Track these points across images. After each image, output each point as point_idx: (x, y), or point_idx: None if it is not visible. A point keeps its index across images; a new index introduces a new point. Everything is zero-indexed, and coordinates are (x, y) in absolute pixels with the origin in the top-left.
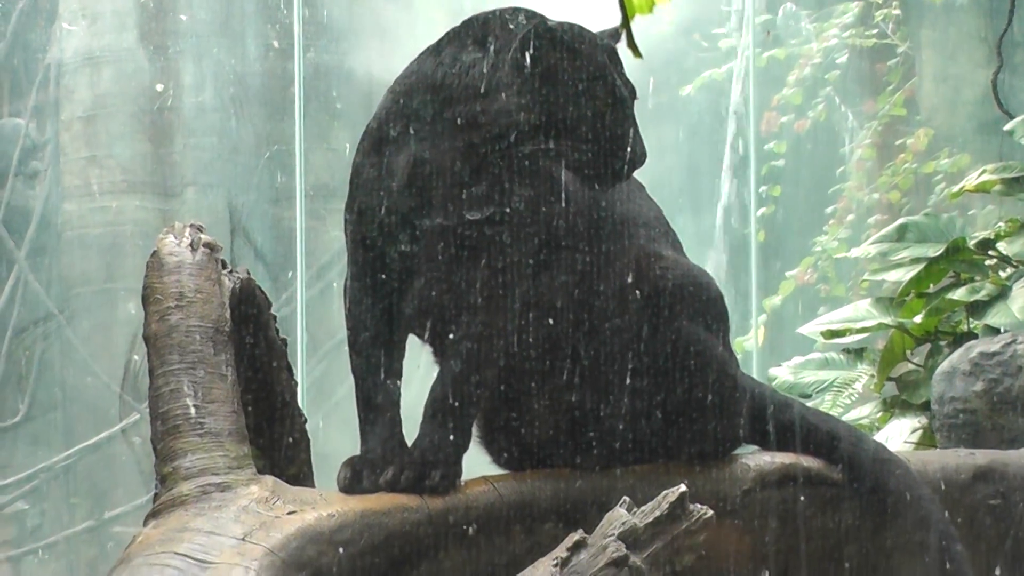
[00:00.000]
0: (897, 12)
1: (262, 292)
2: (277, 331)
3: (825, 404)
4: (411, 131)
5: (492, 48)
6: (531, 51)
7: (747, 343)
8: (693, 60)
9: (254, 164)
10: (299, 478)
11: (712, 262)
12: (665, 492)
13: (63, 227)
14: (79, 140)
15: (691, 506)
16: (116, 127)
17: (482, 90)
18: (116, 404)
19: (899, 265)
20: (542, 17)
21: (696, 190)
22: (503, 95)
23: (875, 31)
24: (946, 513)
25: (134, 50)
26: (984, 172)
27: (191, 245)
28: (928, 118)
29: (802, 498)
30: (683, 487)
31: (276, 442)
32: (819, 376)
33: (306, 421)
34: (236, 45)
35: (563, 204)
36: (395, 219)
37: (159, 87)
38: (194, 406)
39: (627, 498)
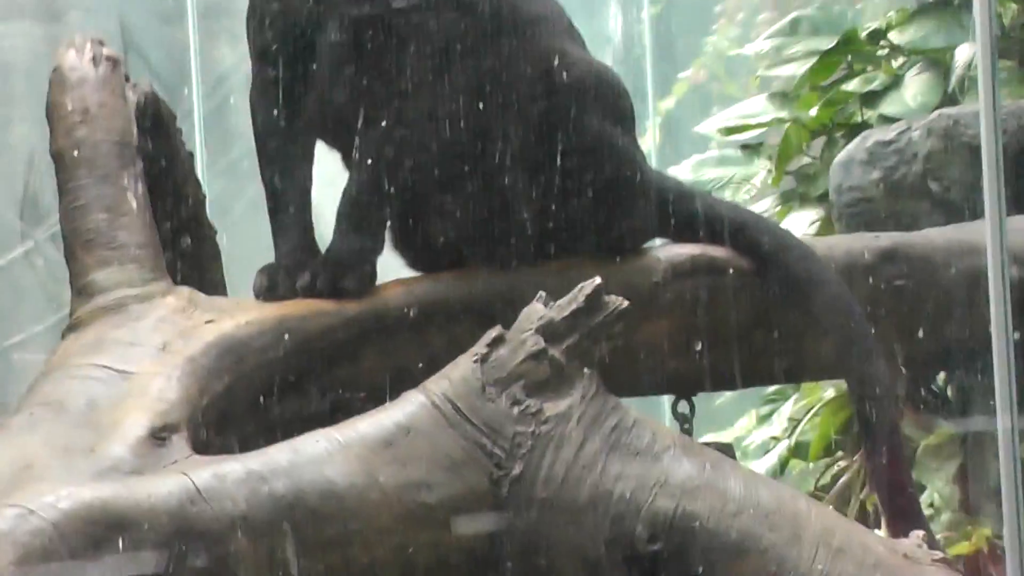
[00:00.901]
0: None
1: (166, 105)
2: (183, 144)
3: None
4: None
5: None
6: None
7: (644, 146)
8: None
9: None
10: (212, 289)
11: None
12: (581, 285)
13: None
14: None
15: (606, 298)
16: None
17: None
18: (15, 230)
19: (792, 59)
20: None
21: None
22: None
23: None
24: (853, 294)
25: None
26: None
27: (93, 59)
28: None
29: (712, 286)
30: (598, 279)
31: (187, 254)
32: (717, 173)
33: (216, 233)
34: None
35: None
36: (296, 22)
37: None
38: (105, 220)
39: (543, 293)
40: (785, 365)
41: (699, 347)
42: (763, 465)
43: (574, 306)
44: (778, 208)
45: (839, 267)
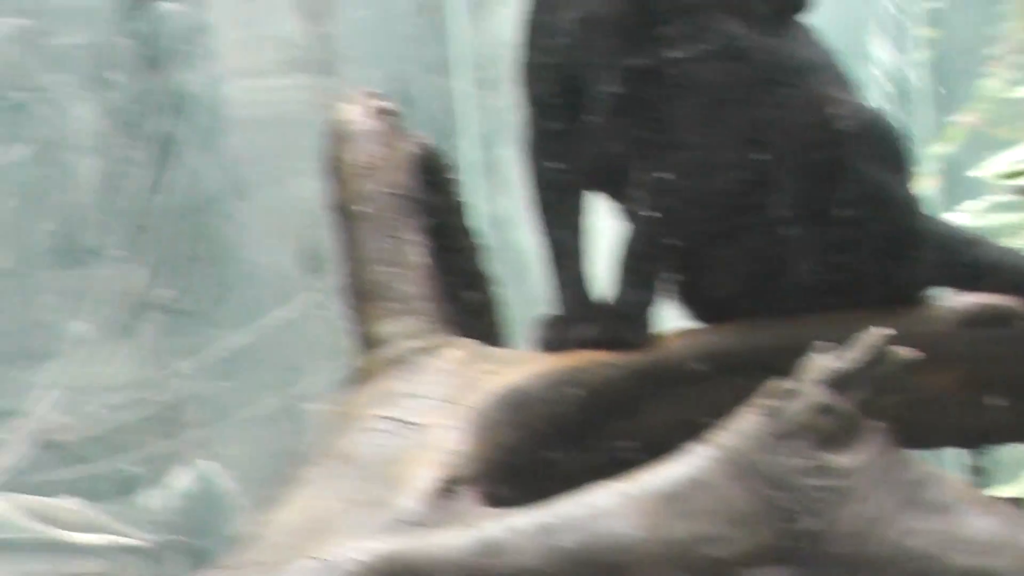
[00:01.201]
0: None
1: (443, 156)
2: (459, 195)
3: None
4: None
5: None
6: None
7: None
8: None
9: (415, 34)
10: (493, 340)
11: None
12: (867, 335)
13: (226, 108)
14: (235, 19)
15: (895, 348)
16: (271, 3)
17: None
18: (296, 282)
19: None
20: None
21: (850, 38)
22: None
23: None
24: None
25: None
26: None
27: (371, 112)
28: None
29: (1000, 337)
30: (886, 330)
31: (466, 306)
32: (996, 220)
33: (495, 284)
34: None
35: (737, 49)
36: (566, 74)
37: None
38: (386, 272)
39: (824, 343)
40: None
41: (988, 399)
42: None
43: (861, 356)
44: None
45: None
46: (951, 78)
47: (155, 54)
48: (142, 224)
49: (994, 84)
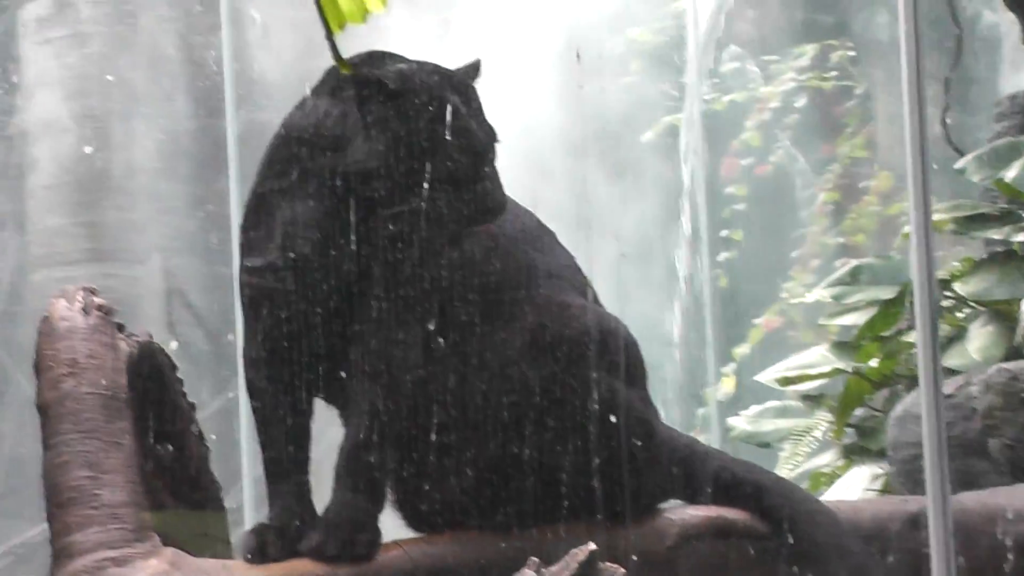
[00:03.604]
0: (852, 53)
1: (165, 354)
2: (183, 395)
3: (784, 453)
4: (283, 187)
5: (343, 96)
6: (367, 97)
7: (715, 394)
8: (654, 106)
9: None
10: (215, 546)
11: (678, 310)
12: (574, 551)
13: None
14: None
15: (601, 565)
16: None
17: (334, 140)
18: None
19: (854, 309)
20: (395, 60)
21: (657, 237)
22: (354, 144)
23: (834, 73)
24: (879, 563)
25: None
26: (935, 211)
27: (83, 309)
28: (887, 159)
29: (728, 552)
30: (592, 545)
31: (192, 510)
32: (777, 425)
33: (220, 488)
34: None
35: (452, 256)
36: (282, 280)
37: (87, 149)
38: (88, 477)
39: (535, 559)
40: None
41: None
42: None
43: (566, 573)
44: (840, 463)
45: (865, 533)
46: (755, 281)
47: None
48: None
49: (796, 288)
